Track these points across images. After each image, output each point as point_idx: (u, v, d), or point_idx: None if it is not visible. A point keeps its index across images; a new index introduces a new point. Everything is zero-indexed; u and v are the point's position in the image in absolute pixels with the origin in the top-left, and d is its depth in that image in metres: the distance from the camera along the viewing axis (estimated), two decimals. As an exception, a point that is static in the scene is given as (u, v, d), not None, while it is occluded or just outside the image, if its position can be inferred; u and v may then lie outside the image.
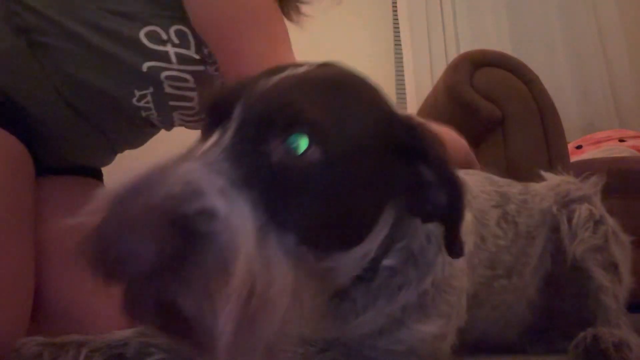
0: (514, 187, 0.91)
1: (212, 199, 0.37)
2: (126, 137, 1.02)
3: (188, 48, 0.86)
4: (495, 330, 0.85)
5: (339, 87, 0.48)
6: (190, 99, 0.93)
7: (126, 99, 0.90)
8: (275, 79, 0.46)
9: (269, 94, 0.45)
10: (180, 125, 1.03)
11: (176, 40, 0.84)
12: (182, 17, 0.84)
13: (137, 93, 0.89)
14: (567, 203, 0.88)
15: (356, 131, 0.46)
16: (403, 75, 2.79)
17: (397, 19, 2.89)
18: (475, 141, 1.45)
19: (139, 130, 1.02)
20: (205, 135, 0.46)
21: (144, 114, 0.93)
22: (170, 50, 0.84)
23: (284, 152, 0.42)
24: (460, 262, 0.64)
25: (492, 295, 0.79)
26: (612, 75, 2.66)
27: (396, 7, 2.89)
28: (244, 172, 0.41)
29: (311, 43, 2.82)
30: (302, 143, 0.42)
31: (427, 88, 2.33)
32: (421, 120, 0.53)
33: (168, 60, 0.85)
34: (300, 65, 0.50)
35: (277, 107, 0.43)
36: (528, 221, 0.87)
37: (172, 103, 0.93)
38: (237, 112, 0.44)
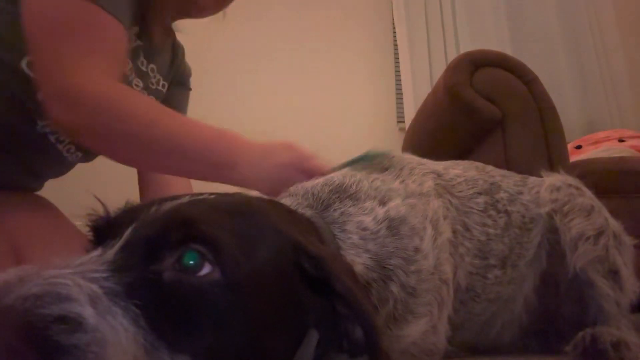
0: (509, 178, 0.90)
1: (80, 304, 0.32)
2: (41, 165, 1.00)
3: None
4: (492, 331, 0.85)
5: (241, 212, 0.46)
6: None
7: (30, 127, 0.88)
8: (171, 204, 0.44)
9: (163, 214, 0.42)
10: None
11: None
12: None
13: (40, 122, 0.88)
14: (567, 212, 0.86)
15: (260, 257, 0.43)
16: (400, 76, 2.79)
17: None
18: (475, 141, 1.46)
19: (52, 158, 0.99)
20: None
21: (52, 138, 0.92)
22: None
23: (178, 269, 0.38)
24: (430, 261, 0.65)
25: (487, 287, 0.79)
26: (611, 75, 2.66)
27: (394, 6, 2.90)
28: (126, 285, 0.36)
29: (307, 43, 2.83)
30: (199, 261, 0.39)
31: (425, 88, 2.33)
32: (328, 250, 0.51)
33: None
34: (199, 194, 0.48)
35: (172, 223, 0.40)
36: (523, 211, 0.86)
37: None
38: (126, 232, 0.40)
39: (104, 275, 0.36)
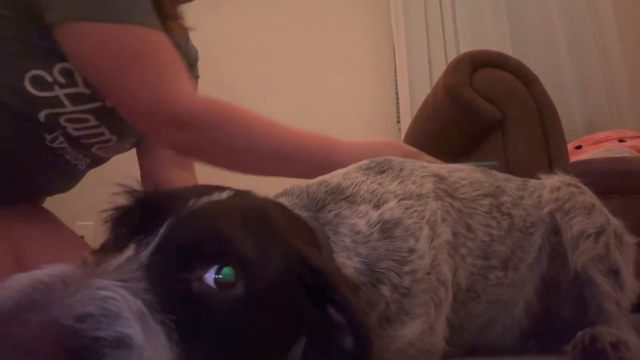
0: (511, 182, 0.90)
1: (130, 324, 0.32)
2: (49, 180, 0.99)
3: (76, 85, 0.83)
4: (493, 335, 0.85)
5: (260, 222, 0.47)
6: (101, 134, 0.91)
7: (38, 143, 0.87)
8: (203, 201, 0.45)
9: (196, 217, 0.43)
10: (109, 156, 1.02)
11: (62, 80, 0.81)
12: (64, 55, 0.80)
13: (48, 137, 0.87)
14: (568, 210, 0.86)
15: (273, 270, 0.44)
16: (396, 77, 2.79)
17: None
18: (474, 142, 1.46)
19: (62, 170, 0.98)
20: (116, 242, 0.42)
21: (61, 151, 0.91)
22: (59, 92, 0.81)
23: (207, 282, 0.39)
24: (426, 261, 0.65)
25: (487, 288, 0.79)
26: (612, 75, 2.66)
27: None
28: (161, 296, 0.36)
29: (307, 43, 2.83)
30: (229, 276, 0.40)
31: (425, 89, 2.33)
32: (327, 261, 0.52)
33: (61, 105, 0.82)
34: (222, 189, 0.49)
35: (205, 234, 0.41)
36: (524, 215, 0.86)
37: (84, 141, 0.91)
38: (160, 230, 0.41)
39: (144, 286, 0.36)
